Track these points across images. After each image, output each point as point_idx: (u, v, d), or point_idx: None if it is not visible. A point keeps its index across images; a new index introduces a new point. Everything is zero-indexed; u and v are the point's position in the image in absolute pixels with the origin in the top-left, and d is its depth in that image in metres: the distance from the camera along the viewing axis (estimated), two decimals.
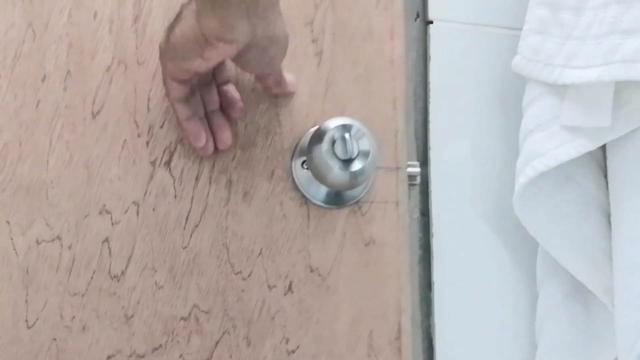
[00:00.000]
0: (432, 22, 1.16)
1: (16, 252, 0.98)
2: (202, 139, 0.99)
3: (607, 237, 1.03)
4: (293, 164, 1.03)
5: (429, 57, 1.15)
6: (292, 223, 1.03)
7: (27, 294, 0.98)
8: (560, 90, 1.04)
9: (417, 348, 1.09)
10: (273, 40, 0.91)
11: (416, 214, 1.14)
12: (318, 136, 0.98)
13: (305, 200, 1.03)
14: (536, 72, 1.06)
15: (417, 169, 1.06)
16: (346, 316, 1.03)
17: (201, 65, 0.91)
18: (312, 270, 1.03)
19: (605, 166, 1.05)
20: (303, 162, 1.02)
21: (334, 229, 1.04)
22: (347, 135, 0.97)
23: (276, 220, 1.03)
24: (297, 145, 1.03)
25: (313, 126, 1.04)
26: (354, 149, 0.97)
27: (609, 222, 1.04)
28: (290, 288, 1.02)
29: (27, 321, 0.98)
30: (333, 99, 1.05)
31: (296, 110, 1.04)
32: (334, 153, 0.97)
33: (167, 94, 0.97)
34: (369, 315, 1.04)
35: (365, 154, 0.97)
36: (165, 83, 0.97)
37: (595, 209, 1.05)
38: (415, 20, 1.17)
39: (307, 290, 1.03)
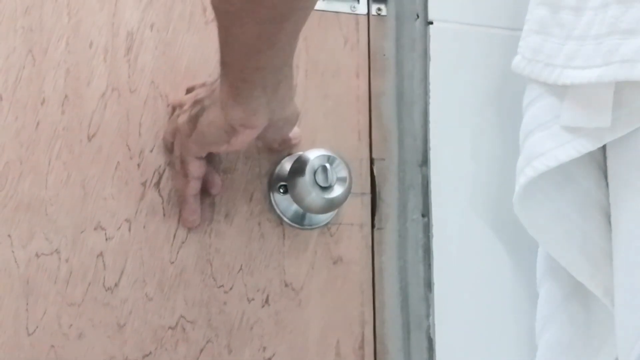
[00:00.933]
0: (432, 23, 1.17)
1: (17, 264, 1.04)
2: (198, 216, 1.09)
3: (607, 238, 1.03)
4: (270, 187, 1.13)
5: (429, 57, 1.17)
6: (269, 242, 1.13)
7: (27, 304, 1.04)
8: (560, 90, 1.03)
9: (417, 348, 1.15)
10: (287, 120, 1.04)
11: (416, 215, 1.17)
12: (301, 164, 1.08)
13: (280, 221, 1.13)
14: (536, 73, 1.05)
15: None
16: (316, 327, 1.13)
17: (227, 149, 1.03)
18: (286, 285, 1.13)
19: (606, 166, 1.03)
20: (280, 187, 1.12)
21: (306, 247, 1.14)
22: (327, 165, 1.07)
23: (255, 239, 1.12)
24: (274, 170, 1.13)
25: (288, 154, 1.14)
26: (333, 177, 1.08)
27: (609, 223, 1.03)
28: (267, 301, 1.12)
29: (27, 329, 1.03)
30: (305, 130, 1.15)
31: None
32: (315, 180, 1.07)
33: (186, 170, 1.07)
34: (336, 326, 1.14)
35: (342, 182, 1.08)
36: (183, 162, 1.06)
37: (596, 209, 1.05)
38: (415, 20, 1.19)
39: (282, 303, 1.12)
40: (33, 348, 1.03)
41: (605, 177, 1.04)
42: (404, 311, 1.15)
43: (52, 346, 1.04)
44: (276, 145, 1.12)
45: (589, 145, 1.00)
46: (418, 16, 1.19)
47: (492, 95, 1.20)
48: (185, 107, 1.06)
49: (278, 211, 1.13)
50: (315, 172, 1.08)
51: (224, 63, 0.98)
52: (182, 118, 1.05)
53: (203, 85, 1.07)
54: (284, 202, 1.13)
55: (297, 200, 1.09)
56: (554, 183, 1.05)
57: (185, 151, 1.06)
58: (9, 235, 1.04)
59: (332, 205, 1.09)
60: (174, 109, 1.09)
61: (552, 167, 1.01)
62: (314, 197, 1.07)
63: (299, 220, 1.13)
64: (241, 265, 1.11)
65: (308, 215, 1.13)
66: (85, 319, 1.05)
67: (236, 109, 0.98)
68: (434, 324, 1.13)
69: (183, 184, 1.07)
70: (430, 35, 1.17)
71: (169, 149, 1.09)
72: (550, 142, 1.02)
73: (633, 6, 0.96)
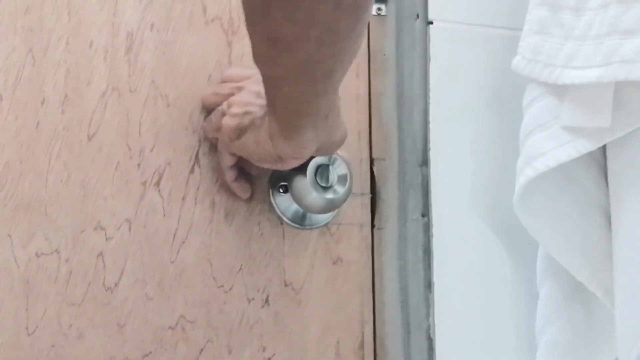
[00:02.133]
0: (432, 22, 1.17)
1: (17, 264, 1.04)
2: (248, 192, 1.11)
3: (607, 238, 1.03)
4: (270, 187, 1.13)
5: (429, 57, 1.17)
6: (269, 241, 1.13)
7: (27, 304, 1.04)
8: (560, 90, 1.03)
9: (417, 348, 1.15)
10: (335, 144, 1.03)
11: (416, 215, 1.17)
12: (301, 164, 1.08)
13: (280, 221, 1.13)
14: (536, 73, 1.06)
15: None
16: (316, 327, 1.13)
17: (269, 167, 1.05)
18: (286, 285, 1.13)
19: (606, 166, 1.04)
20: (280, 187, 1.12)
21: (306, 247, 1.14)
22: (329, 165, 1.08)
23: (255, 239, 1.12)
24: (274, 171, 1.13)
25: None
26: (334, 177, 1.08)
27: (609, 223, 1.03)
28: (267, 301, 1.12)
29: (27, 329, 1.04)
30: None
31: None
32: (316, 180, 1.07)
33: (220, 161, 1.09)
34: (336, 326, 1.14)
35: (342, 182, 1.08)
36: (220, 153, 1.08)
37: (596, 209, 1.05)
38: (415, 20, 1.19)
39: (282, 303, 1.12)
40: (33, 348, 1.03)
41: (605, 177, 1.04)
42: (404, 311, 1.16)
43: (52, 346, 1.04)
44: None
45: (589, 145, 1.01)
46: (418, 16, 1.19)
47: (492, 95, 1.20)
48: (235, 111, 1.04)
49: (278, 211, 1.13)
50: (315, 172, 1.08)
51: (272, 107, 0.96)
52: (230, 122, 1.04)
53: (250, 79, 1.06)
54: (284, 202, 1.13)
55: (297, 200, 1.09)
56: (554, 183, 1.05)
57: (222, 145, 1.07)
58: (9, 235, 1.04)
59: (332, 205, 1.09)
60: (215, 99, 1.09)
61: (552, 167, 1.02)
62: (314, 197, 1.08)
63: (299, 220, 1.13)
64: (241, 265, 1.11)
65: (308, 215, 1.13)
66: (86, 319, 1.05)
67: (285, 145, 0.98)
68: (434, 324, 1.14)
69: (220, 172, 1.09)
70: (430, 35, 1.17)
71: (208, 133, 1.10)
72: (550, 142, 1.02)
73: (633, 6, 0.96)
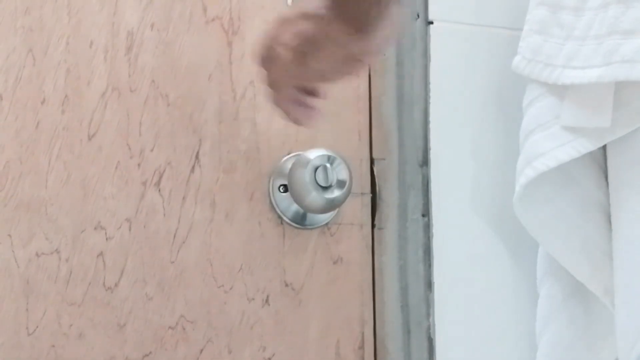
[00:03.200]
0: (432, 22, 1.17)
1: (17, 264, 1.04)
2: (311, 116, 0.97)
3: (607, 238, 1.03)
4: (271, 187, 1.13)
5: (429, 57, 1.17)
6: (269, 241, 1.13)
7: (27, 303, 1.04)
8: (560, 90, 1.04)
9: (417, 348, 1.15)
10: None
11: (416, 215, 1.17)
12: (301, 164, 1.08)
13: (281, 221, 1.13)
14: (536, 73, 1.06)
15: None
16: (316, 327, 1.13)
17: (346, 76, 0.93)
18: (286, 285, 1.13)
19: (606, 166, 1.04)
20: (280, 186, 1.12)
21: (306, 247, 1.14)
22: (328, 165, 1.08)
23: (255, 239, 1.12)
24: (274, 170, 1.13)
25: (288, 154, 1.14)
26: (333, 177, 1.08)
27: (609, 223, 1.03)
28: (267, 301, 1.12)
29: (27, 329, 1.04)
30: (306, 130, 1.14)
31: (274, 139, 1.14)
32: (315, 180, 1.07)
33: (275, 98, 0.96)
34: (336, 326, 1.14)
35: (342, 183, 1.08)
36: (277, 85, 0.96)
37: (596, 209, 1.05)
38: (415, 20, 1.19)
39: (282, 303, 1.12)
40: (33, 348, 1.04)
41: (606, 177, 1.04)
42: (404, 311, 1.16)
43: (52, 346, 1.04)
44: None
45: (589, 145, 1.01)
46: (418, 16, 1.19)
47: (492, 95, 1.20)
48: (287, 39, 0.92)
49: (278, 211, 1.13)
50: (315, 172, 1.08)
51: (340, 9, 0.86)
52: (287, 54, 0.92)
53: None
54: (284, 202, 1.13)
55: (297, 200, 1.09)
56: (554, 183, 1.06)
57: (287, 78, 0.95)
58: (9, 235, 1.04)
59: (332, 205, 1.09)
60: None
61: (552, 167, 1.02)
62: (314, 197, 1.08)
63: (299, 220, 1.13)
64: (241, 265, 1.11)
65: (308, 215, 1.13)
66: (86, 319, 1.05)
67: (360, 42, 0.88)
68: (434, 324, 1.14)
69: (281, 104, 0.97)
70: (430, 35, 1.17)
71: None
72: (550, 142, 1.02)
73: (633, 6, 0.96)
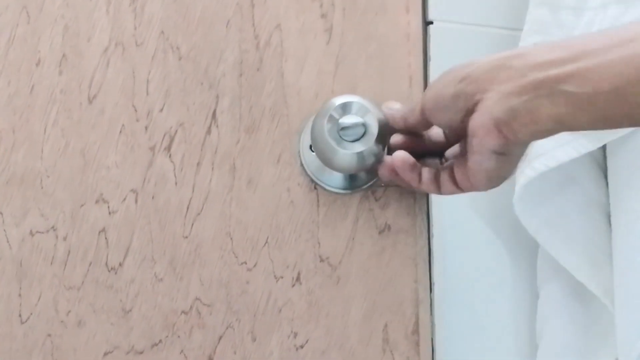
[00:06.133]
0: (432, 22, 1.12)
1: (9, 244, 0.94)
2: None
3: (608, 238, 1.03)
4: (301, 147, 0.97)
5: (429, 57, 1.10)
6: (300, 210, 0.97)
7: (20, 288, 0.93)
8: None
9: None
10: None
11: None
12: (320, 116, 0.92)
13: (314, 186, 0.97)
14: None
15: None
16: (359, 309, 0.97)
17: None
18: (321, 260, 0.97)
19: (606, 166, 1.04)
20: (312, 145, 0.96)
21: (346, 215, 0.97)
22: (350, 114, 0.91)
23: (283, 208, 0.97)
24: (305, 127, 0.97)
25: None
26: (358, 128, 0.90)
27: (609, 222, 1.03)
28: (298, 279, 0.96)
29: (20, 316, 0.93)
30: (344, 78, 0.98)
31: (304, 91, 0.98)
32: (338, 133, 0.91)
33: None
34: (383, 308, 0.97)
35: (371, 133, 0.91)
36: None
37: (596, 209, 1.04)
38: None
39: (317, 281, 0.96)
40: (27, 337, 0.93)
41: (605, 177, 1.04)
42: None
43: (48, 335, 0.93)
44: None
45: (589, 145, 0.99)
46: None
47: None
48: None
49: (310, 174, 0.97)
50: (335, 123, 0.91)
51: None
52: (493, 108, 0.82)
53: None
54: (317, 164, 0.96)
55: (320, 158, 0.93)
56: (554, 183, 1.05)
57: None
58: (0, 212, 0.94)
59: (362, 161, 0.91)
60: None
61: (552, 167, 1.00)
62: (339, 153, 0.91)
63: (337, 183, 0.97)
64: (267, 239, 0.96)
65: (346, 177, 0.96)
66: (86, 304, 0.94)
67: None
68: (434, 324, 1.04)
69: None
70: (430, 35, 1.11)
71: None
72: (550, 142, 0.99)
73: (633, 6, 0.96)
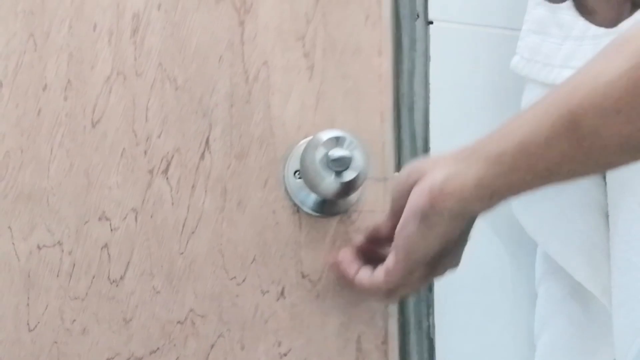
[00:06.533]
0: (432, 22, 1.16)
1: (18, 257, 1.00)
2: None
3: (606, 237, 1.04)
4: (285, 173, 1.07)
5: (429, 57, 1.15)
6: (285, 231, 1.07)
7: (28, 298, 1.00)
8: None
9: (417, 348, 1.12)
10: None
11: None
12: (312, 146, 1.02)
13: (297, 209, 1.07)
14: (535, 73, 1.07)
15: None
16: (335, 321, 1.07)
17: None
18: (303, 277, 1.07)
19: None
20: (295, 172, 1.06)
21: (325, 236, 1.08)
22: (340, 147, 1.01)
23: (269, 228, 1.06)
24: (289, 155, 1.07)
25: (305, 137, 1.07)
26: (346, 160, 1.01)
27: (607, 223, 1.04)
28: (282, 293, 1.06)
29: (28, 324, 1.00)
30: (323, 112, 1.09)
31: (288, 122, 1.08)
32: (327, 163, 1.01)
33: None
34: (357, 320, 1.07)
35: (357, 165, 1.01)
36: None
37: (594, 209, 1.05)
38: (415, 20, 1.18)
39: (299, 295, 1.06)
40: (34, 344, 1.00)
41: (604, 177, 1.04)
42: (403, 311, 1.13)
43: (55, 342, 1.00)
44: None
45: None
46: (418, 16, 1.18)
47: (492, 96, 1.20)
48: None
49: (294, 198, 1.07)
50: (326, 154, 1.01)
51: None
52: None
53: None
54: (300, 189, 1.06)
55: (309, 184, 1.03)
56: None
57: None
58: (9, 227, 1.00)
59: (346, 189, 1.02)
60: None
61: None
62: (326, 180, 1.01)
63: (317, 207, 1.07)
64: (255, 256, 1.05)
65: (326, 202, 1.07)
66: (89, 314, 1.01)
67: None
68: (434, 324, 1.11)
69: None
70: (430, 35, 1.16)
71: None
72: None
73: None
